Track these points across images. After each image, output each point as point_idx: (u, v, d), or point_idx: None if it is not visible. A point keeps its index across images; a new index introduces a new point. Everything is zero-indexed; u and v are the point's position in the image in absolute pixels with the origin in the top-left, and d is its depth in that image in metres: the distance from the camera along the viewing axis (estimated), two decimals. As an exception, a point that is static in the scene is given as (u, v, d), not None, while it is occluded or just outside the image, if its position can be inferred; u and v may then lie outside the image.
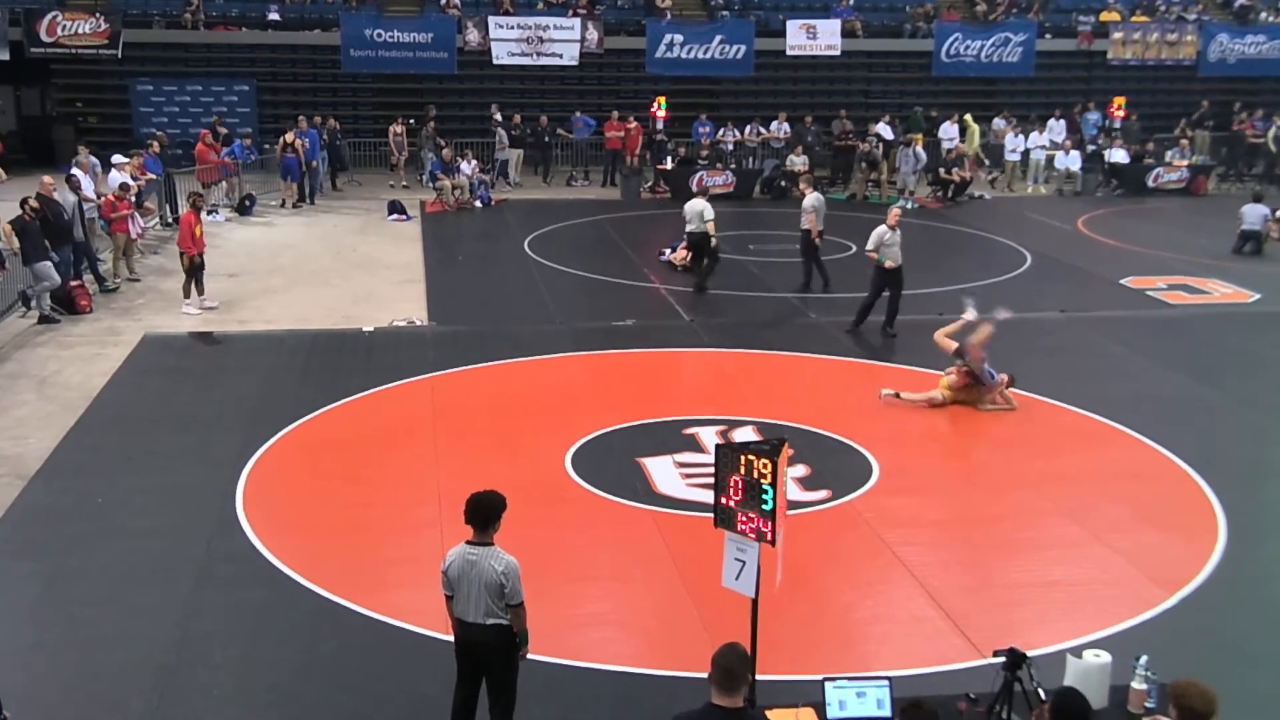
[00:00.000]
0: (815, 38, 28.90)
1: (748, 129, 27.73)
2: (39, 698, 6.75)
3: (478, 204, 23.84)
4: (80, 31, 25.94)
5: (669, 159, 25.67)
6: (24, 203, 14.98)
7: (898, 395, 12.08)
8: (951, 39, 29.84)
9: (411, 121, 26.41)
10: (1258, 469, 10.73)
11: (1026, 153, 27.06)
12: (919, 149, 25.12)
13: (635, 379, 13.21)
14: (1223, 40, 30.89)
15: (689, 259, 18.12)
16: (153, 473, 10.23)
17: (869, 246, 14.45)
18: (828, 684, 5.78)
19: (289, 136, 23.34)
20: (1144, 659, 5.85)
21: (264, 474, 10.20)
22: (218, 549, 8.79)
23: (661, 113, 26.51)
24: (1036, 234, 21.71)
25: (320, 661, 7.36)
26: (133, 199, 17.78)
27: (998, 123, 28.38)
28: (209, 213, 21.37)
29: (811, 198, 16.88)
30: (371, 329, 14.72)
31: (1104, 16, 31.30)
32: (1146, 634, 7.60)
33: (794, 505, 8.68)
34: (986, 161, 28.48)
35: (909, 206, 22.08)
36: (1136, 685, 5.82)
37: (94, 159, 19.41)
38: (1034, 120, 28.12)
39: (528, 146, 26.89)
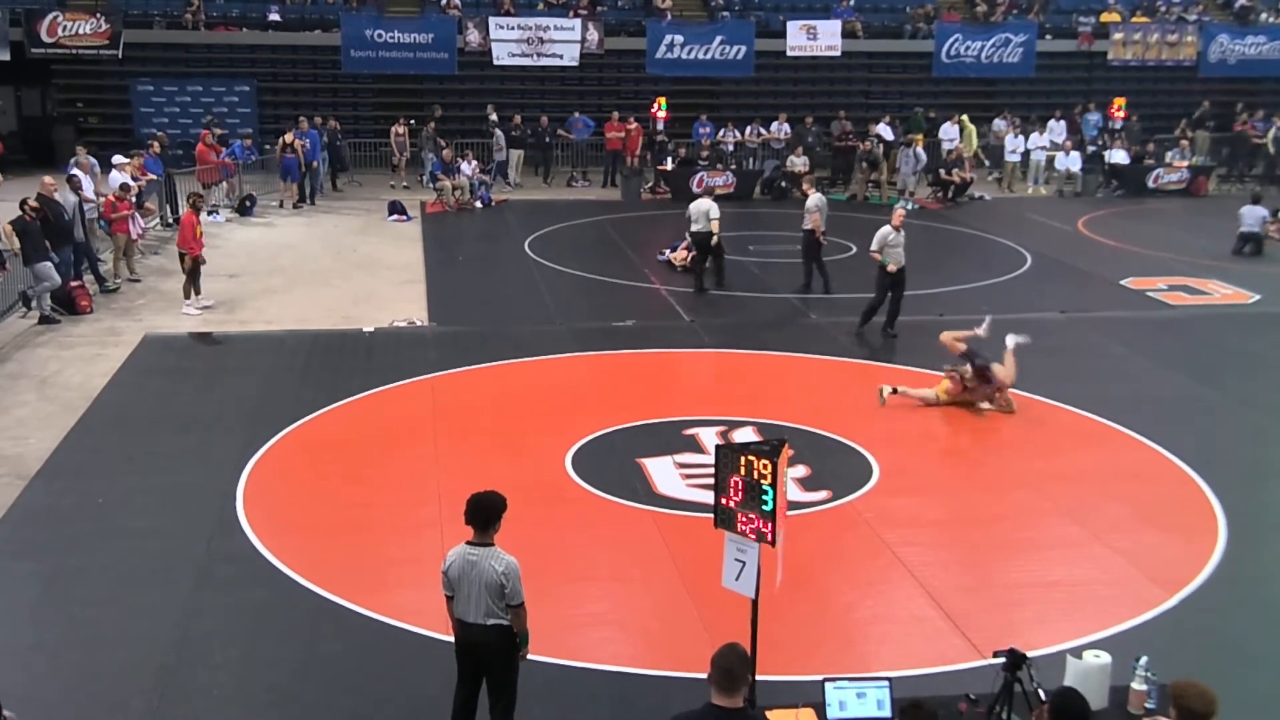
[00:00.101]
0: (815, 38, 28.91)
1: (748, 130, 27.73)
2: (39, 698, 6.75)
3: (478, 204, 23.84)
4: (81, 32, 25.95)
5: (669, 160, 25.67)
6: (24, 203, 14.99)
7: (895, 390, 12.05)
8: (952, 40, 29.85)
9: (412, 122, 26.41)
10: (1258, 469, 10.73)
11: (1027, 153, 27.06)
12: (919, 149, 25.12)
13: (636, 379, 13.21)
14: (1223, 41, 30.90)
15: (689, 259, 18.14)
16: (153, 473, 10.23)
17: (873, 247, 14.44)
18: (828, 684, 5.79)
19: (288, 137, 23.35)
20: (1144, 659, 5.85)
21: (264, 474, 10.20)
22: (218, 549, 8.80)
23: (662, 113, 26.51)
24: (1037, 235, 21.72)
25: (320, 662, 7.36)
26: (133, 199, 17.79)
27: (998, 123, 28.38)
28: (209, 213, 21.40)
29: (814, 198, 16.87)
30: (372, 329, 14.72)
31: (1104, 17, 31.31)
32: (1146, 634, 7.60)
33: (794, 506, 8.68)
34: (987, 162, 28.49)
35: (910, 207, 22.06)
36: (1136, 686, 5.82)
37: (92, 159, 19.41)
38: (1034, 121, 28.11)
39: (528, 147, 26.89)
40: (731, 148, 27.28)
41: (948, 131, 26.83)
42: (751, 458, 5.96)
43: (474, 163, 24.49)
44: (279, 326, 14.90)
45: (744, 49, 28.79)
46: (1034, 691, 5.52)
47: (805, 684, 6.49)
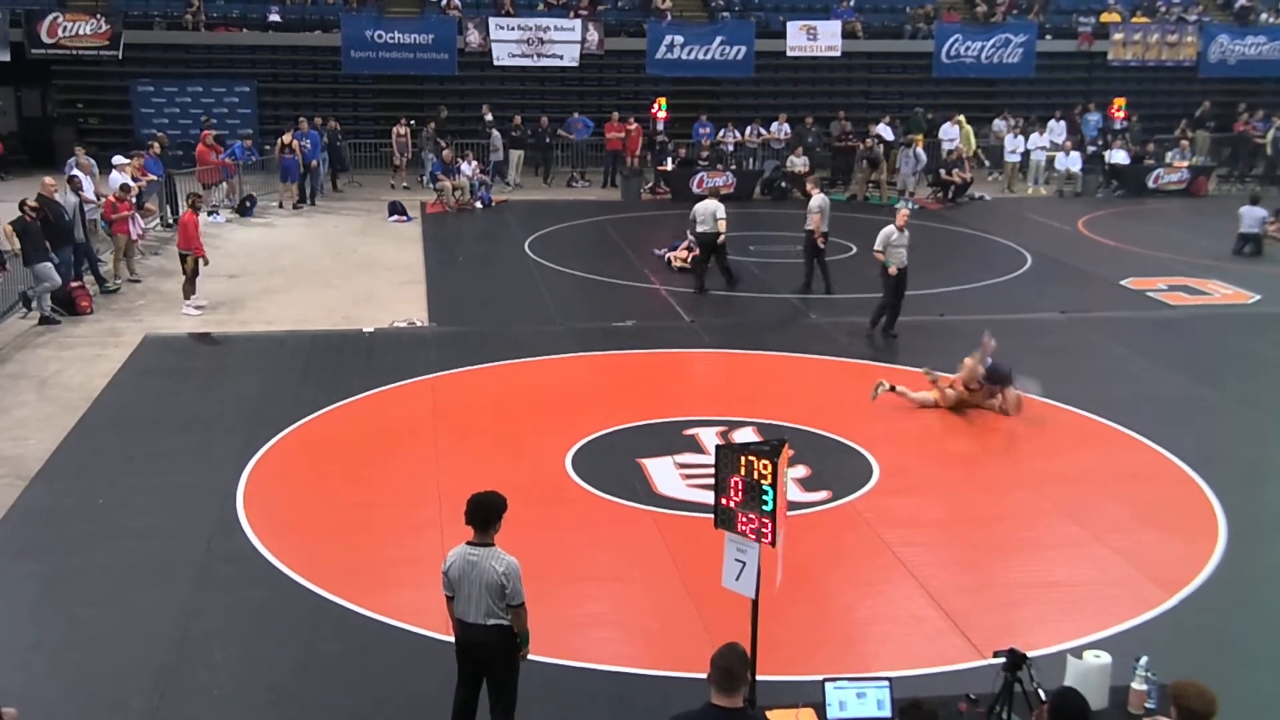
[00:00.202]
0: (815, 39, 28.91)
1: (748, 130, 27.73)
2: (39, 698, 6.75)
3: (478, 205, 23.84)
4: (81, 33, 25.96)
5: (669, 160, 25.68)
6: (24, 204, 14.99)
7: (894, 389, 12.03)
8: (952, 40, 29.85)
9: (413, 123, 26.41)
10: (1258, 469, 10.73)
11: (1027, 154, 27.06)
12: (919, 150, 25.12)
13: (636, 380, 13.21)
14: (1223, 41, 30.90)
15: (690, 259, 18.16)
16: (153, 473, 10.23)
17: (876, 246, 14.41)
18: (828, 684, 5.79)
19: (286, 138, 23.36)
20: (1144, 659, 5.86)
21: (264, 474, 10.20)
22: (218, 549, 8.80)
23: (662, 114, 26.52)
24: (1037, 235, 21.72)
25: (320, 662, 7.36)
26: (133, 200, 17.79)
27: (998, 124, 28.39)
28: (210, 214, 21.42)
29: (817, 199, 16.84)
30: (372, 330, 14.72)
31: (1104, 18, 31.31)
32: (1147, 634, 7.60)
33: (794, 506, 8.69)
34: (987, 163, 28.50)
35: (911, 208, 22.06)
36: (1136, 686, 5.82)
37: (90, 160, 19.40)
38: (1034, 121, 28.10)
39: (528, 147, 26.89)
40: (731, 148, 27.28)
41: (948, 132, 26.83)
42: (752, 458, 5.96)
43: (474, 163, 24.49)
44: (279, 327, 14.90)
45: (744, 49, 28.80)
46: (1034, 691, 5.52)
47: (805, 684, 6.50)
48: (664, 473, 10.24)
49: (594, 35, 28.16)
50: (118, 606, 7.97)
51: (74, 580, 8.35)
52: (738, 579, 6.17)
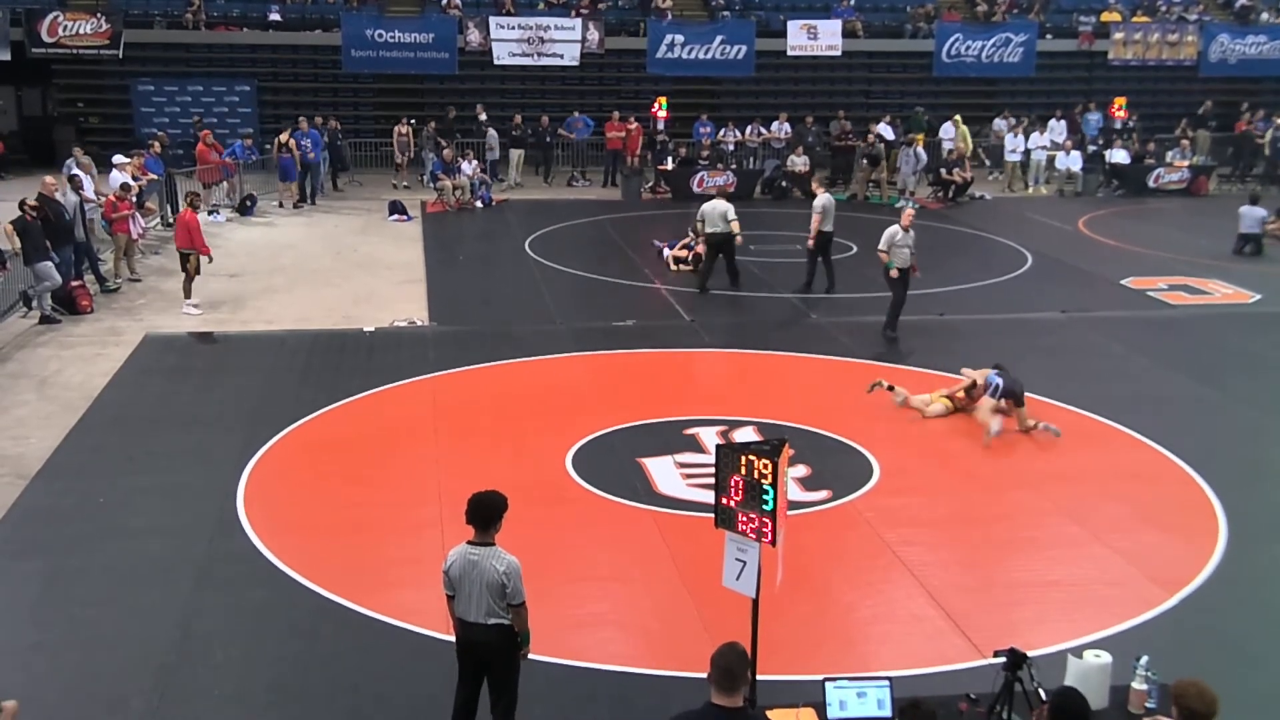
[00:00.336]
0: (816, 38, 28.91)
1: (748, 129, 27.72)
2: (39, 698, 6.75)
3: (478, 204, 23.84)
4: (81, 32, 25.96)
5: (670, 159, 25.68)
6: (24, 203, 14.99)
7: (891, 388, 12.03)
8: (952, 39, 29.84)
9: (413, 122, 26.41)
10: (1258, 469, 10.72)
11: (1027, 153, 27.06)
12: (920, 149, 25.12)
13: (636, 379, 13.21)
14: (1223, 40, 30.88)
15: (690, 257, 18.19)
16: (153, 473, 10.23)
17: (881, 246, 14.36)
18: (828, 684, 5.79)
19: (283, 137, 23.37)
20: (1144, 659, 5.86)
21: (265, 474, 10.20)
22: (218, 549, 8.80)
23: (662, 113, 26.52)
24: (1037, 234, 21.72)
25: (321, 661, 7.36)
26: (134, 199, 17.79)
27: (998, 123, 28.38)
28: (210, 213, 21.43)
29: (820, 199, 16.81)
30: (372, 329, 14.72)
31: (1105, 17, 31.30)
32: (1147, 634, 7.60)
33: (794, 505, 8.69)
34: (988, 162, 28.49)
35: (911, 207, 22.06)
36: (1137, 685, 5.82)
37: (88, 159, 19.39)
38: (1035, 121, 28.07)
39: (529, 147, 26.89)
40: (732, 147, 27.28)
41: (948, 131, 26.83)
42: (752, 457, 5.96)
43: (474, 162, 24.49)
44: (279, 326, 14.91)
45: (744, 48, 28.80)
46: (1034, 691, 5.53)
47: (805, 684, 6.50)
48: (664, 472, 10.24)
49: (594, 34, 28.15)
50: (118, 606, 7.97)
51: (74, 580, 8.35)
52: (738, 578, 6.17)
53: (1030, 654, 5.65)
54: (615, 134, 26.54)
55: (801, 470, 10.17)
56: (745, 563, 6.12)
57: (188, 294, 15.55)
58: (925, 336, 14.48)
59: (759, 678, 6.13)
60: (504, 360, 13.44)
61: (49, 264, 14.74)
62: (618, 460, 10.53)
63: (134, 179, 18.74)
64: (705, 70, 28.99)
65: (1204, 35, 30.77)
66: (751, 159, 27.19)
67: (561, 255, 19.26)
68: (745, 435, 10.98)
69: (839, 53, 29.08)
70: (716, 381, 13.45)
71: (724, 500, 6.10)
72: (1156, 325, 15.73)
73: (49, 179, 16.30)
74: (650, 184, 26.04)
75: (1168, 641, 7.50)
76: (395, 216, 22.41)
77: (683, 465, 10.37)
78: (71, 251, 15.83)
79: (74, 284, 15.54)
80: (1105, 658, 5.91)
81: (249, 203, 22.85)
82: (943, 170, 25.42)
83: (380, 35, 27.41)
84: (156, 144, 22.13)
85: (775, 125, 27.78)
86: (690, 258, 18.32)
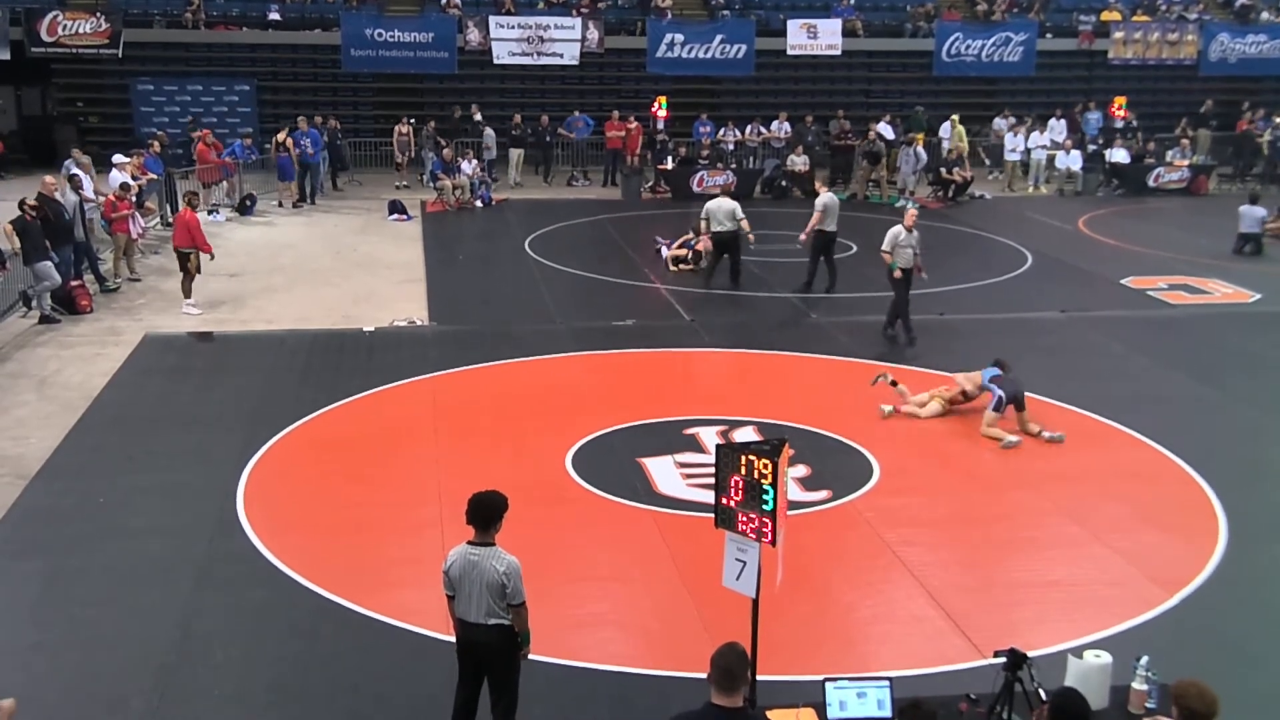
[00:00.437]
0: (816, 37, 28.90)
1: (748, 129, 27.72)
2: (39, 698, 6.75)
3: (478, 204, 23.84)
4: (81, 31, 25.95)
5: (670, 159, 25.67)
6: (23, 203, 14.99)
7: (894, 383, 12.03)
8: (952, 38, 29.84)
9: (413, 121, 26.40)
10: (1258, 469, 10.72)
11: (1027, 152, 27.05)
12: (920, 149, 25.12)
13: (636, 379, 13.21)
14: (1223, 40, 30.88)
15: (690, 256, 18.22)
16: (153, 472, 10.23)
17: (884, 246, 14.31)
18: (828, 684, 5.79)
19: (280, 136, 23.37)
20: (1144, 659, 5.86)
21: (265, 474, 10.20)
22: (218, 549, 8.80)
23: (662, 112, 26.52)
24: (1037, 234, 21.71)
25: (321, 661, 7.36)
26: (133, 199, 17.79)
27: (998, 122, 28.38)
28: (210, 212, 21.43)
29: (824, 196, 16.80)
30: (372, 329, 14.72)
31: (1105, 16, 31.29)
32: (1147, 634, 7.60)
33: (794, 505, 8.70)
34: (987, 161, 28.48)
35: (911, 206, 22.05)
36: (1137, 686, 5.82)
37: (87, 159, 19.38)
38: (1035, 120, 28.05)
39: (529, 146, 26.88)
40: (732, 147, 27.28)
41: (947, 131, 26.83)
42: (752, 457, 5.96)
43: (474, 162, 24.48)
44: (279, 326, 14.90)
45: (744, 48, 28.79)
46: (1034, 691, 5.53)
47: (805, 684, 6.50)
48: (664, 472, 10.24)
49: (594, 34, 28.15)
50: (118, 606, 7.97)
51: (74, 580, 8.35)
52: (738, 578, 6.17)
53: (1030, 654, 5.65)
54: (615, 133, 26.52)
55: (801, 470, 10.17)
56: (745, 563, 6.12)
57: (187, 293, 15.54)
58: (925, 336, 14.47)
59: (759, 678, 6.14)
60: (504, 360, 13.44)
61: (48, 264, 14.74)
62: (618, 460, 10.53)
63: (133, 178, 18.73)
64: (705, 69, 28.99)
65: (1204, 34, 30.77)
66: (751, 158, 27.19)
67: (561, 255, 19.26)
68: (745, 435, 10.98)
69: (839, 52, 29.07)
70: (716, 381, 13.45)
71: (724, 500, 6.10)
72: (1156, 325, 15.73)
73: (49, 179, 16.29)
74: (650, 183, 26.03)
75: (1168, 641, 7.49)
76: (395, 216, 22.40)
77: (683, 465, 10.37)
78: (71, 251, 15.84)
79: (73, 284, 15.54)
80: (1105, 658, 5.91)
81: (248, 202, 22.84)
82: (943, 170, 25.41)
83: (380, 34, 27.40)
84: (156, 143, 22.11)
85: (775, 125, 27.77)
86: (690, 256, 18.34)
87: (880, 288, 14.98)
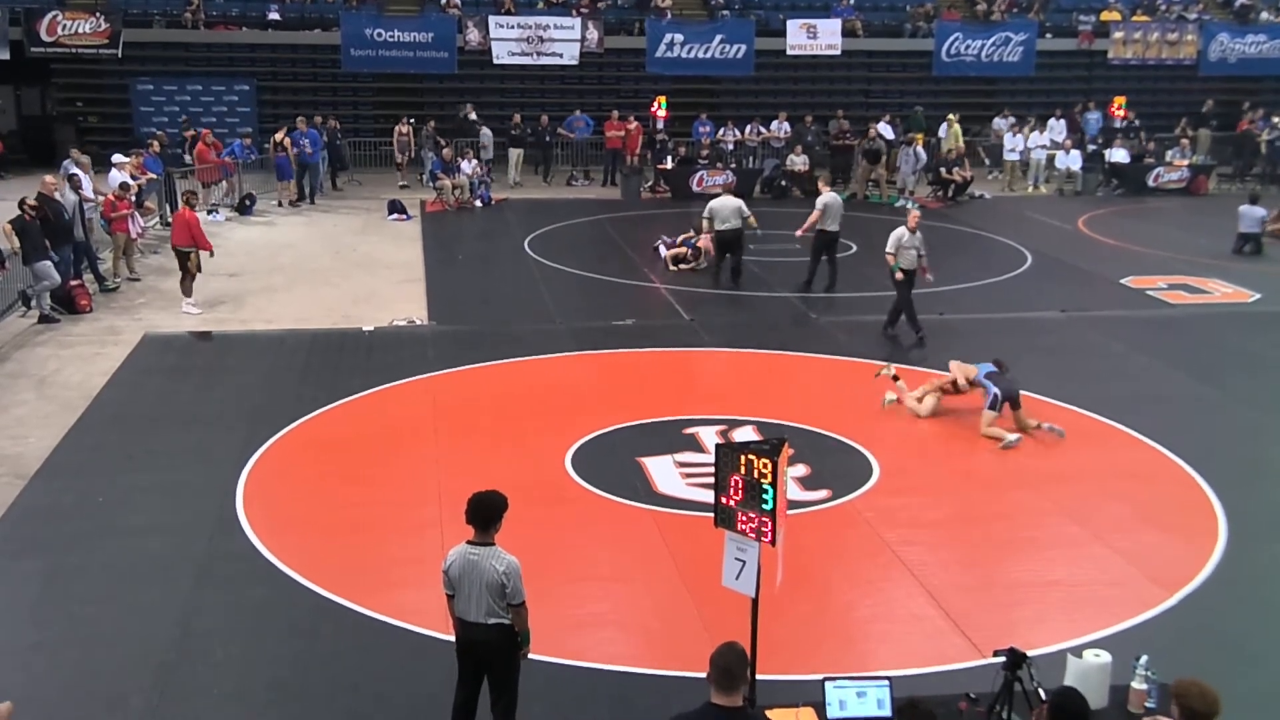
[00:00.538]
0: (815, 37, 28.90)
1: (748, 128, 27.72)
2: (39, 697, 6.75)
3: (478, 204, 23.84)
4: (80, 31, 25.94)
5: (669, 159, 25.67)
6: (23, 202, 14.99)
7: (895, 378, 12.04)
8: (952, 38, 29.84)
9: (413, 121, 26.40)
10: (1258, 469, 10.72)
11: (1027, 152, 27.05)
12: (919, 149, 25.12)
13: (635, 379, 13.20)
14: (1223, 40, 30.88)
15: (690, 255, 18.22)
16: (153, 471, 10.23)
17: (888, 248, 14.28)
18: (828, 684, 5.78)
19: (279, 135, 23.37)
20: (1144, 659, 5.85)
21: (264, 473, 10.20)
22: (218, 548, 8.80)
23: (662, 112, 26.51)
24: (1037, 233, 21.71)
25: (321, 660, 7.36)
26: (133, 198, 17.79)
27: (998, 122, 28.38)
28: (210, 212, 21.43)
29: (825, 196, 16.79)
30: (372, 328, 14.72)
31: (1104, 16, 31.30)
32: (1147, 634, 7.60)
33: (794, 505, 8.69)
34: (987, 161, 28.48)
35: (911, 206, 22.06)
36: (1137, 685, 5.82)
37: (86, 159, 19.37)
38: (1035, 120, 28.05)
39: (528, 146, 26.88)
40: (731, 147, 27.28)
41: (945, 131, 26.82)
42: (751, 457, 5.95)
43: (474, 161, 24.48)
44: (279, 325, 14.90)
45: (744, 48, 28.79)
46: (1034, 691, 5.52)
47: (805, 683, 6.50)
48: (664, 472, 10.23)
49: (594, 33, 28.15)
50: (117, 604, 7.97)
51: (74, 578, 8.35)
52: (738, 578, 6.17)
53: (1030, 654, 5.65)
54: (615, 133, 26.53)
55: (801, 470, 10.17)
56: (745, 562, 6.11)
57: (188, 292, 15.54)
58: (926, 336, 14.46)
59: (759, 677, 6.13)
60: (504, 359, 13.43)
61: (48, 263, 14.73)
62: (618, 460, 10.52)
63: (133, 178, 18.73)
64: (704, 69, 28.99)
65: (1204, 34, 30.77)
66: (751, 158, 27.19)
67: (561, 254, 19.26)
68: (745, 435, 10.98)
69: (838, 52, 29.07)
70: (716, 381, 13.44)
71: (724, 500, 6.10)
72: (1156, 324, 15.73)
73: (49, 178, 16.29)
74: (650, 183, 26.03)
75: (1168, 641, 7.49)
76: (394, 216, 22.40)
77: (682, 465, 10.37)
78: (70, 251, 15.83)
79: (73, 283, 15.53)
80: (1105, 657, 5.90)
81: (248, 202, 22.84)
82: (942, 169, 25.41)
83: (379, 34, 27.40)
84: (155, 143, 22.11)
85: (774, 124, 27.78)
86: (689, 255, 18.35)
87: (879, 288, 14.99)
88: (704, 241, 18.08)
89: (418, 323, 15.11)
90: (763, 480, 5.91)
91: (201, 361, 13.72)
